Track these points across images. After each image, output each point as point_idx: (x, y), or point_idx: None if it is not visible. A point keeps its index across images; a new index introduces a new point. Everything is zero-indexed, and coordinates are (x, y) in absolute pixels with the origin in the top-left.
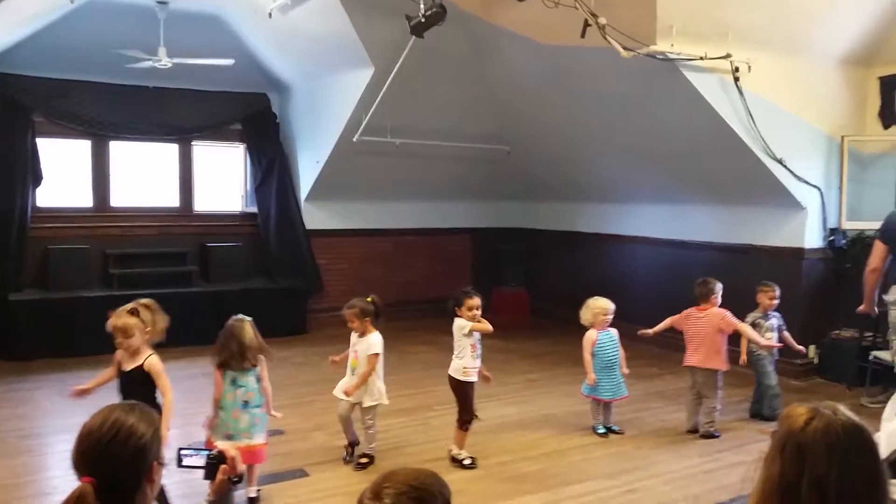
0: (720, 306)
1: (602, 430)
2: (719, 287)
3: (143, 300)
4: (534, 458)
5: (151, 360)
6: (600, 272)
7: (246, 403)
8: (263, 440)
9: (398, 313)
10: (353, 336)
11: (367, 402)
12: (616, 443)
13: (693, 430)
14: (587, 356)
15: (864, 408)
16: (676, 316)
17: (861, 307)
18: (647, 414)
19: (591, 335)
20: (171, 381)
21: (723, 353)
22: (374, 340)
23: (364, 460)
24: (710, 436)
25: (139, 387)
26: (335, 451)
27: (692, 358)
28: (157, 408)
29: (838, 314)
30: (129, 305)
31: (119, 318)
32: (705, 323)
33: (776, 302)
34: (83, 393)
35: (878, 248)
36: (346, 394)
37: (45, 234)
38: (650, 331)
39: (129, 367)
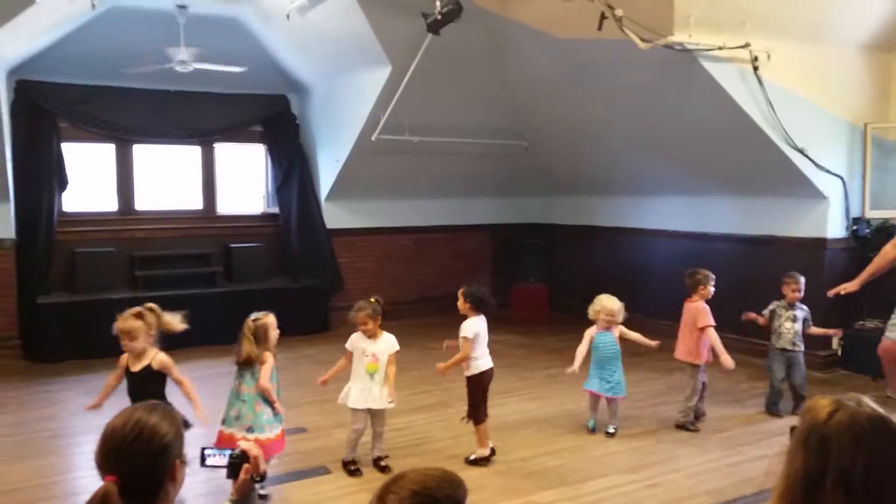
0: (708, 301)
1: (591, 426)
2: (707, 278)
3: (149, 304)
4: (554, 452)
5: (160, 358)
6: (621, 266)
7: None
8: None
9: (419, 310)
10: (358, 340)
11: (387, 405)
12: (637, 437)
13: (696, 416)
14: (581, 348)
15: (890, 399)
16: None
17: (849, 284)
18: (668, 408)
19: (590, 331)
20: (197, 381)
21: (700, 348)
22: (393, 339)
23: (384, 463)
24: (684, 427)
25: (149, 385)
26: (358, 447)
27: (677, 350)
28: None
29: (862, 305)
30: (135, 309)
31: (125, 322)
32: (685, 316)
33: (799, 294)
34: (95, 408)
35: None
36: (392, 399)
37: (72, 237)
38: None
39: (136, 367)
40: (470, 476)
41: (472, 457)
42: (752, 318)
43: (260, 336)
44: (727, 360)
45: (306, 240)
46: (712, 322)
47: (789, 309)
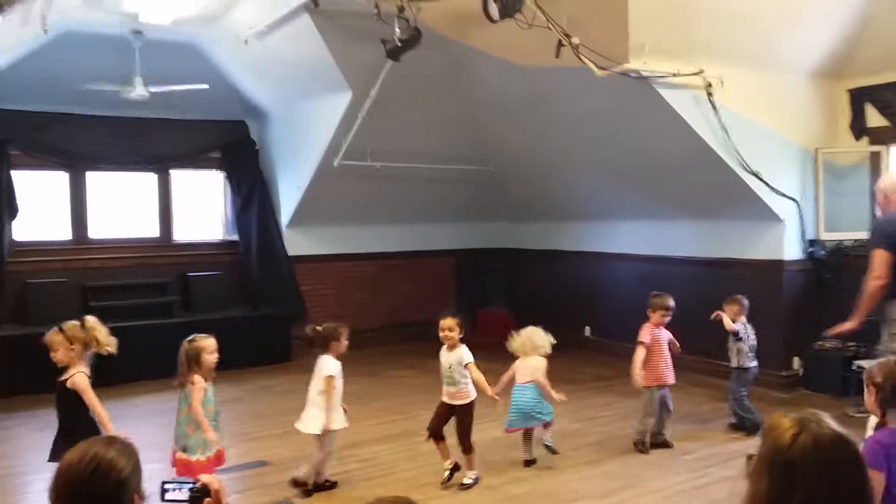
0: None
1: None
2: (663, 303)
3: (87, 317)
4: (524, 478)
5: (74, 379)
6: (583, 289)
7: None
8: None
9: (383, 337)
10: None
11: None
12: (605, 461)
13: (657, 443)
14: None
15: (850, 417)
16: None
17: (847, 324)
18: (633, 432)
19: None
20: (152, 414)
21: (665, 368)
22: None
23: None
24: (637, 446)
25: (66, 400)
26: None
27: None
28: (86, 422)
29: (821, 325)
30: (68, 322)
31: (47, 335)
32: (658, 339)
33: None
34: None
35: (882, 257)
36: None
37: (23, 268)
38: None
39: (60, 377)
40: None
41: (468, 480)
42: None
43: (190, 358)
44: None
45: (267, 267)
46: (641, 339)
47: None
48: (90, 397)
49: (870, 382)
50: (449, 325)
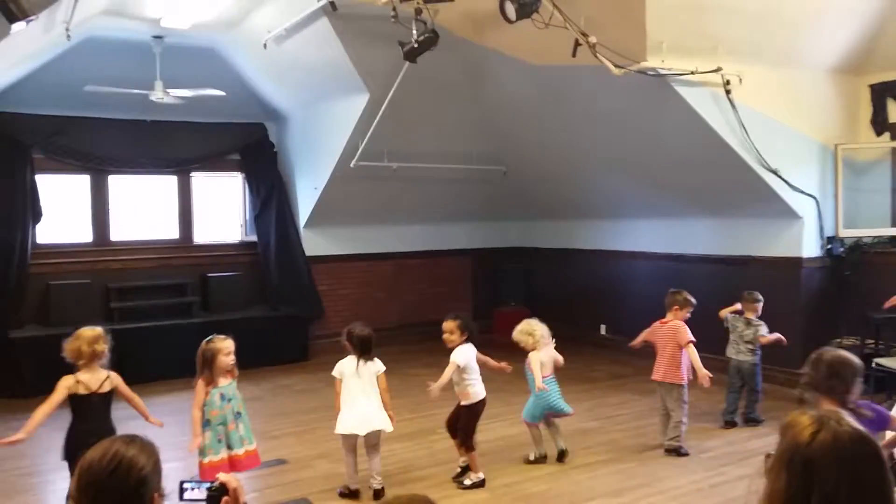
0: (687, 320)
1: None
2: (686, 300)
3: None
4: (539, 477)
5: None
6: (600, 288)
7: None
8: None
9: (400, 336)
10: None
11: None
12: (620, 460)
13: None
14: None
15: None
16: (648, 329)
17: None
18: (651, 430)
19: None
20: (172, 414)
21: (682, 368)
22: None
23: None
24: (676, 451)
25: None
26: (339, 478)
27: (655, 372)
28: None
29: (839, 322)
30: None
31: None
32: (664, 335)
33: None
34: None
35: None
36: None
37: (46, 269)
38: (633, 343)
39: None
40: (454, 503)
41: (468, 482)
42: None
43: (206, 359)
44: (705, 375)
45: (285, 268)
46: (693, 338)
47: (748, 324)
48: (52, 395)
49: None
50: (449, 328)
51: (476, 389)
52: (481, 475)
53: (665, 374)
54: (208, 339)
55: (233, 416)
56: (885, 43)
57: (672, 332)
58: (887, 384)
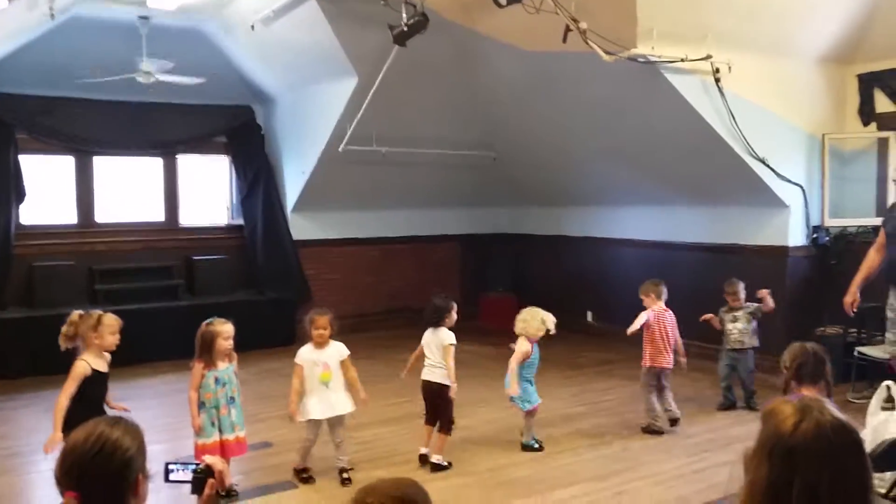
0: (674, 308)
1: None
2: (655, 289)
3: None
4: (523, 462)
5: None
6: (588, 275)
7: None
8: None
9: (387, 321)
10: (312, 352)
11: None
12: (604, 445)
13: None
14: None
15: (850, 403)
16: (647, 315)
17: (848, 298)
18: (635, 416)
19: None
20: (158, 396)
21: (669, 352)
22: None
23: (347, 475)
24: (650, 431)
25: None
26: (324, 461)
27: (663, 359)
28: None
29: (823, 311)
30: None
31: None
32: (671, 321)
33: (739, 301)
34: None
35: None
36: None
37: (30, 251)
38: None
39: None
40: (437, 488)
41: (435, 460)
42: (708, 318)
43: (205, 342)
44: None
45: (272, 251)
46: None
47: (730, 312)
48: (66, 384)
49: (783, 367)
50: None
51: (445, 372)
52: (445, 460)
53: (670, 361)
54: (208, 321)
55: (225, 401)
56: (874, 33)
57: (672, 318)
58: (869, 372)
